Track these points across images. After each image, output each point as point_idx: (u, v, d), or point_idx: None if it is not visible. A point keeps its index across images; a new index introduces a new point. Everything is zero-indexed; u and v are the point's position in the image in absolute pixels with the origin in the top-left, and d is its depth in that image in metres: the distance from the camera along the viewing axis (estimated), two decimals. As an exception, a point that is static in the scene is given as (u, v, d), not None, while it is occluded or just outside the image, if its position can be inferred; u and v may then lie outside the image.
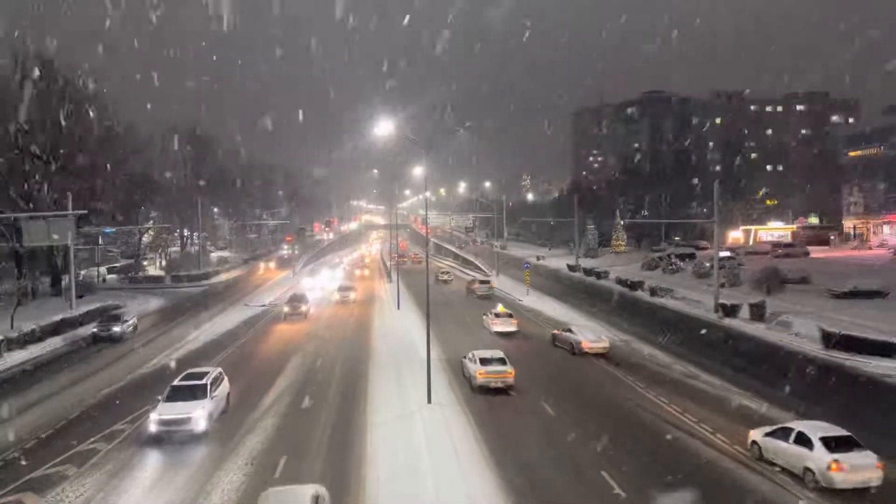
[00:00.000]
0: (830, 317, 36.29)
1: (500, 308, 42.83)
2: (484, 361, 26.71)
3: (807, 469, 17.05)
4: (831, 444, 17.03)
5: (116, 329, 38.90)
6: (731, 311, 40.00)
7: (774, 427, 19.08)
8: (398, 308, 49.26)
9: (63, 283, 53.15)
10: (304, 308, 46.85)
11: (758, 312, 38.52)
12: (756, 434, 19.19)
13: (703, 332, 35.78)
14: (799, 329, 34.78)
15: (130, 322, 41.35)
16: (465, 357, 28.73)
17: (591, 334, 34.55)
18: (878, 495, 16.43)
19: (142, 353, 35.27)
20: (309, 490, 14.53)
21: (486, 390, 26.02)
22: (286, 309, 46.57)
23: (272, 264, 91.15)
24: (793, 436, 17.82)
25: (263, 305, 53.47)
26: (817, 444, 17.09)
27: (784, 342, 33.44)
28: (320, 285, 65.29)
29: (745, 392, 25.46)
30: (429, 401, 23.97)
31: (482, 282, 59.82)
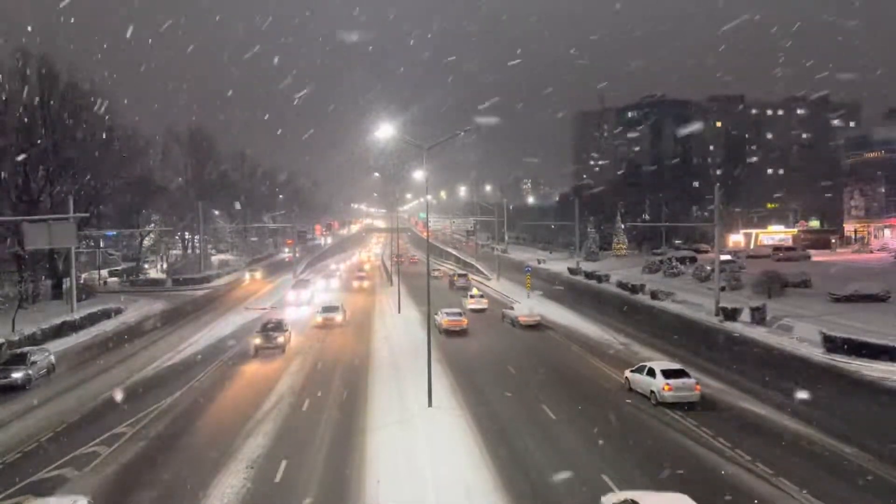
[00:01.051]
0: (831, 320, 36.34)
1: (474, 291, 55.67)
2: (448, 314, 41.26)
3: (651, 391, 24.36)
4: (667, 374, 24.32)
5: (17, 375, 28.20)
6: (731, 314, 40.02)
7: (636, 366, 26.61)
8: (399, 311, 49.22)
9: (64, 286, 53.20)
10: (281, 339, 35.24)
11: (759, 316, 38.55)
12: (627, 372, 26.93)
13: (704, 335, 35.71)
14: (800, 332, 34.83)
15: (42, 362, 30.53)
16: (436, 313, 41.01)
17: (526, 310, 43.94)
18: (698, 407, 23.79)
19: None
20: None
21: (450, 333, 39.75)
22: (257, 340, 34.86)
23: (258, 274, 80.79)
24: (645, 370, 25.29)
25: (264, 309, 53.41)
26: (658, 375, 24.39)
27: (785, 345, 33.46)
28: (309, 298, 56.57)
29: (745, 395, 25.38)
30: (429, 404, 23.96)
31: (461, 275, 71.62)
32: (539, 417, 23.27)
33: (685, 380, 24.05)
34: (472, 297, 52.03)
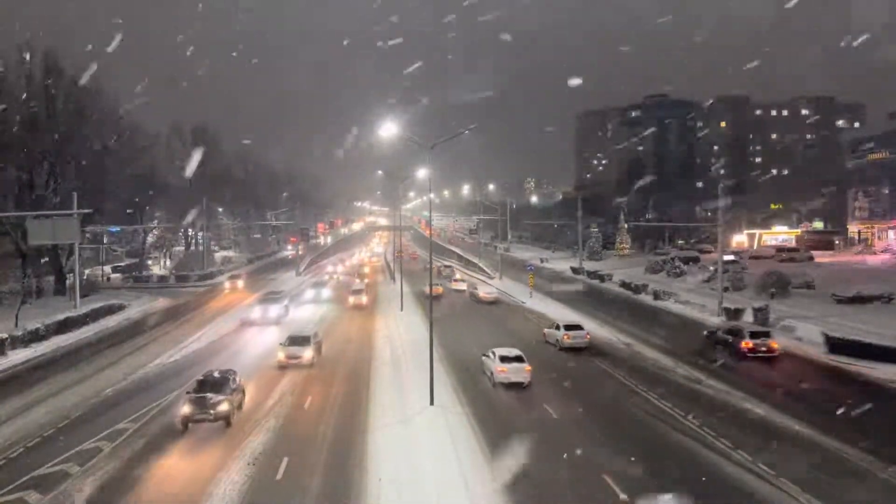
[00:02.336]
0: (835, 322, 36.27)
1: (458, 276, 70.62)
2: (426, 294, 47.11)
3: (557, 339, 34.64)
4: (567, 327, 35.00)
5: None
6: (734, 315, 39.96)
7: (549, 325, 37.79)
8: (401, 310, 49.22)
9: (68, 282, 53.32)
10: (224, 406, 22.00)
11: (761, 316, 38.49)
12: (544, 329, 37.58)
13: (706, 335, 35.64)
14: (803, 334, 34.74)
15: None
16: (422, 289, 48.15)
17: (486, 288, 58.35)
18: (587, 351, 33.86)
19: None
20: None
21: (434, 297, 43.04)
22: (185, 409, 21.81)
23: (240, 281, 67.12)
24: (554, 326, 36.23)
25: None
26: (562, 328, 34.90)
27: (787, 346, 33.37)
28: (279, 316, 44.80)
29: (748, 396, 25.32)
30: (431, 403, 23.97)
31: (446, 266, 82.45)
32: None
33: (579, 331, 34.78)
34: (455, 280, 67.64)
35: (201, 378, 23.66)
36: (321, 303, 54.99)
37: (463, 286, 63.04)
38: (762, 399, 24.53)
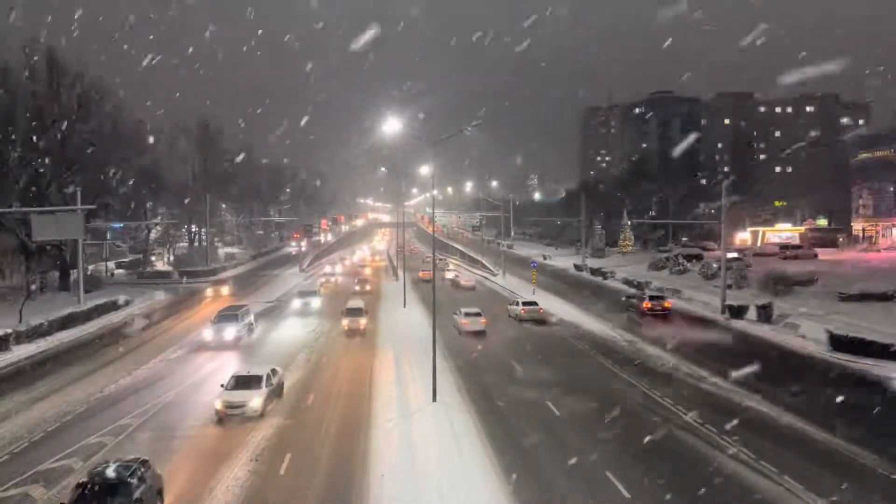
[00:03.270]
0: (838, 319, 36.14)
1: (451, 266, 78.93)
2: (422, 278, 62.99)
3: (517, 313, 42.72)
4: (524, 303, 43.55)
5: None
6: (738, 312, 39.91)
7: (512, 302, 46.41)
8: (404, 307, 49.24)
9: (71, 277, 53.44)
10: None
11: (765, 314, 38.42)
12: (508, 306, 46.02)
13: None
14: (806, 331, 34.68)
15: None
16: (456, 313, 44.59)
17: (467, 276, 67.20)
18: (539, 322, 42.30)
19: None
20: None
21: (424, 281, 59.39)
22: None
23: (225, 289, 60.07)
24: (514, 303, 45.04)
25: (270, 302, 53.50)
26: (520, 304, 43.65)
27: (791, 344, 33.35)
28: (238, 337, 35.74)
29: (751, 394, 25.30)
30: (433, 399, 23.99)
31: (440, 259, 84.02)
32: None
33: (534, 306, 42.74)
34: (447, 270, 74.35)
35: (93, 470, 15.00)
36: (309, 316, 45.49)
37: (453, 273, 71.37)
38: (642, 338, 36.90)
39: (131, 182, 64.71)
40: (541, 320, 42.20)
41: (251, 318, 39.58)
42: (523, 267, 71.46)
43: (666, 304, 43.84)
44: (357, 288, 60.01)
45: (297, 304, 49.11)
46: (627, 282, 58.37)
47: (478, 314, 39.11)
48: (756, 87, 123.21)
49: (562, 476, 17.90)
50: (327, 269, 80.00)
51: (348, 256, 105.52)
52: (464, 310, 39.60)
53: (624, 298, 48.20)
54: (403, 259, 62.76)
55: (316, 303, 49.55)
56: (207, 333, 35.34)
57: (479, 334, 37.81)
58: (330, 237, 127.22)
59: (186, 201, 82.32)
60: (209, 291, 59.65)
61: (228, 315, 37.22)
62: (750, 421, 21.82)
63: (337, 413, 23.65)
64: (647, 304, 43.70)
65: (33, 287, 48.77)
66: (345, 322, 38.77)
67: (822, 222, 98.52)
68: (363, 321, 39.37)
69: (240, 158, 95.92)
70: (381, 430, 21.30)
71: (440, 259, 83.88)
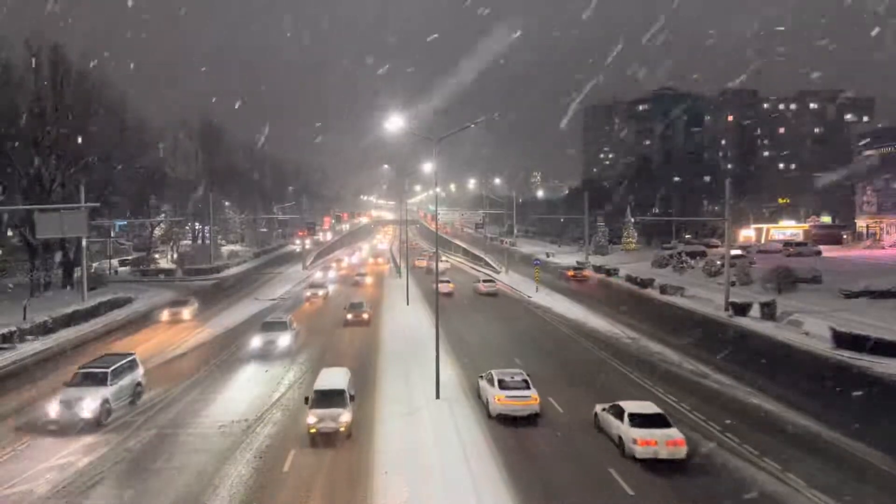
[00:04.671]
0: (842, 316, 36.09)
1: (442, 258, 76.13)
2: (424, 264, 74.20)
3: (478, 289, 55.97)
4: (485, 281, 57.96)
5: None
6: (741, 309, 39.87)
7: (476, 280, 59.01)
8: (407, 304, 49.24)
9: (75, 275, 53.55)
10: None
11: (768, 311, 38.38)
12: (473, 284, 57.66)
13: (714, 330, 35.60)
14: (810, 328, 34.64)
15: None
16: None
17: (485, 282, 58.39)
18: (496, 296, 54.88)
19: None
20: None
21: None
22: None
23: (186, 311, 43.47)
24: (477, 280, 59.08)
25: (273, 299, 53.55)
26: (481, 280, 58.34)
27: (794, 341, 33.31)
28: (94, 412, 21.81)
29: (756, 391, 25.28)
30: (437, 396, 24.01)
31: (430, 258, 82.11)
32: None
33: (491, 283, 55.45)
34: (441, 261, 79.31)
35: None
36: (274, 364, 30.72)
37: (444, 263, 76.96)
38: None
39: (135, 179, 64.77)
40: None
41: (139, 374, 25.29)
42: (526, 264, 71.36)
43: (584, 273, 67.39)
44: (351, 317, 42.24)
45: (256, 342, 32.87)
46: (631, 279, 58.31)
47: (447, 282, 53.07)
48: (759, 84, 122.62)
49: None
50: (318, 274, 68.55)
51: (346, 257, 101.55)
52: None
53: (560, 271, 69.61)
54: (407, 259, 62.69)
55: (285, 341, 33.25)
56: (52, 408, 21.67)
57: (448, 295, 48.11)
58: (329, 236, 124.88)
59: (190, 199, 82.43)
60: (165, 315, 42.77)
61: (92, 374, 23.32)
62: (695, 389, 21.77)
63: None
64: (571, 273, 67.24)
65: (38, 284, 48.92)
66: (311, 420, 20.41)
67: (826, 219, 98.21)
68: (345, 419, 22.37)
69: (244, 155, 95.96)
70: (385, 422, 21.37)
71: (430, 259, 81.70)
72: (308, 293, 53.13)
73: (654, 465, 17.85)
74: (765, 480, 17.15)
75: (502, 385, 22.09)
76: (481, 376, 24.32)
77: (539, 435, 20.88)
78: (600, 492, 16.76)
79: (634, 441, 18.14)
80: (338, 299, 52.13)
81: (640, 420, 18.72)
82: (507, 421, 21.73)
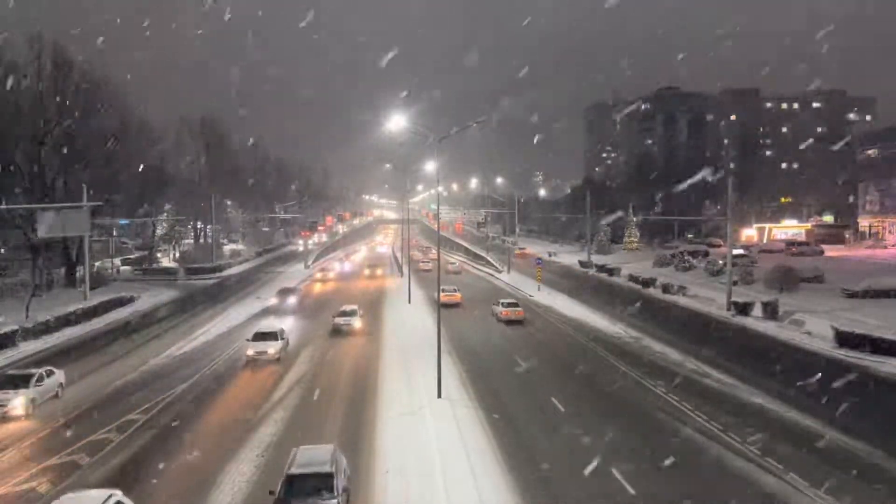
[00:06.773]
0: (844, 316, 35.95)
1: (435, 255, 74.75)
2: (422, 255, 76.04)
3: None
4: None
5: None
6: (743, 309, 39.71)
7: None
8: (409, 302, 49.28)
9: (77, 274, 53.58)
10: None
11: (771, 311, 38.23)
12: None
13: (716, 329, 35.56)
14: (812, 328, 34.50)
15: None
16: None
17: (508, 305, 49.62)
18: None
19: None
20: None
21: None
22: None
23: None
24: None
25: (273, 299, 53.47)
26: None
27: (796, 341, 33.21)
28: None
29: (756, 390, 25.25)
30: (439, 395, 24.01)
31: (424, 257, 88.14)
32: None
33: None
34: (424, 260, 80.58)
35: None
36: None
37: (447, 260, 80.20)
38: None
39: (137, 178, 64.75)
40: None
41: None
42: (529, 264, 71.31)
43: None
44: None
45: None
46: (633, 278, 58.18)
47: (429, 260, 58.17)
48: (762, 82, 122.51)
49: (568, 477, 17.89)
50: (316, 274, 63.74)
51: (345, 256, 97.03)
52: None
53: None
54: (408, 259, 62.79)
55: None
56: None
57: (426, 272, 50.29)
58: (324, 237, 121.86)
59: (192, 198, 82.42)
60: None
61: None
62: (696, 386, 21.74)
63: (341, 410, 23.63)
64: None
65: (40, 283, 48.92)
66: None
67: (829, 219, 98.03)
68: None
69: (246, 153, 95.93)
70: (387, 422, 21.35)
71: (426, 248, 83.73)
72: (250, 351, 31.30)
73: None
74: (766, 480, 17.12)
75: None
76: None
77: (542, 432, 20.87)
78: (602, 492, 16.73)
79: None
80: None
81: None
82: (510, 418, 21.68)
